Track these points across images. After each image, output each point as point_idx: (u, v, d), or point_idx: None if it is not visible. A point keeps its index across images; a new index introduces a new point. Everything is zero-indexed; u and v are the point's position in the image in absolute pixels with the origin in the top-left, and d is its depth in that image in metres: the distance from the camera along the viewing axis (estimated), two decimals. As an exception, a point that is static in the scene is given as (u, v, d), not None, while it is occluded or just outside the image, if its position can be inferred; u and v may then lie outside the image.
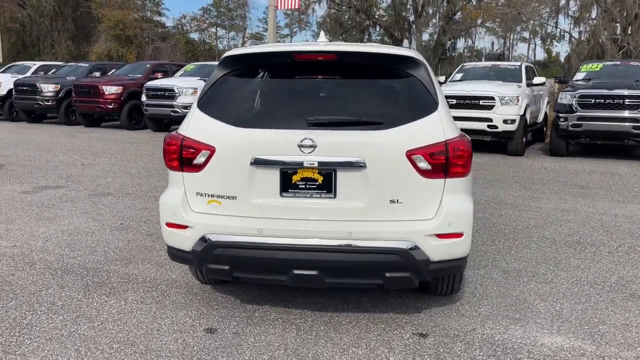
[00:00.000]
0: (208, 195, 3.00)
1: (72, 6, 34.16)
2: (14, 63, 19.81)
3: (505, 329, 3.27)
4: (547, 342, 3.12)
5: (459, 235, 2.95)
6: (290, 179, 2.91)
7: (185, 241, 3.02)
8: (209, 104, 3.10)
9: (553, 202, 6.74)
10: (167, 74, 16.27)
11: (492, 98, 10.89)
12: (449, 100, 11.18)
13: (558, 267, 4.40)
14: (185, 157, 3.01)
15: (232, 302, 3.58)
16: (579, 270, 4.32)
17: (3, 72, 18.20)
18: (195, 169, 3.00)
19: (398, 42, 37.41)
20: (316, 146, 2.85)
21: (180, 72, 15.91)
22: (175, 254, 3.14)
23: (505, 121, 10.82)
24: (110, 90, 14.96)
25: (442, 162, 2.90)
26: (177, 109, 13.92)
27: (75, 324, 3.26)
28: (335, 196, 2.91)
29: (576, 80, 11.73)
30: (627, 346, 3.08)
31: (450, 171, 2.93)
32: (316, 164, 2.87)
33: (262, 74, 3.18)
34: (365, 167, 2.86)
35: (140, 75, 15.97)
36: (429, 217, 2.92)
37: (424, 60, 3.19)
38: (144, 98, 14.36)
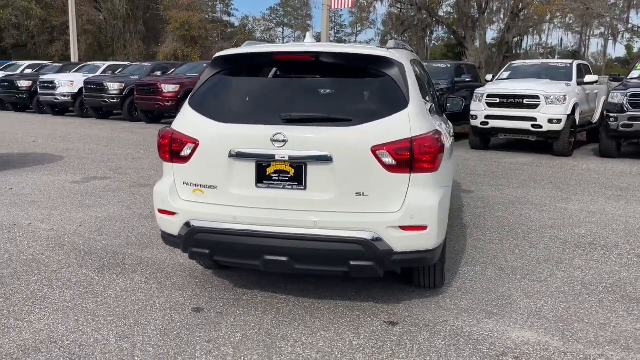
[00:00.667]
0: (193, 185, 3.28)
1: (143, 9, 35.94)
2: (85, 63, 21.15)
3: (477, 322, 3.35)
4: (515, 336, 3.18)
5: (422, 228, 3.08)
6: (264, 171, 3.14)
7: (173, 226, 3.32)
8: (198, 101, 3.38)
9: (582, 204, 6.59)
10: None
11: (537, 97, 10.64)
12: (491, 99, 11.04)
13: (558, 267, 4.38)
14: (174, 150, 3.31)
15: (225, 286, 3.86)
16: (579, 271, 4.29)
17: (76, 71, 19.49)
18: (182, 160, 3.29)
19: (461, 40, 36.72)
20: (287, 141, 3.06)
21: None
22: (167, 238, 3.45)
23: (550, 121, 10.55)
24: (168, 88, 15.74)
25: (406, 158, 3.03)
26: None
27: (82, 298, 3.63)
28: (305, 188, 3.11)
29: (630, 79, 11.24)
30: (595, 344, 3.09)
31: (415, 166, 3.06)
32: (287, 158, 3.08)
33: (246, 73, 3.42)
34: (332, 161, 3.04)
35: (197, 74, 16.67)
36: (393, 210, 3.06)
37: (401, 60, 3.32)
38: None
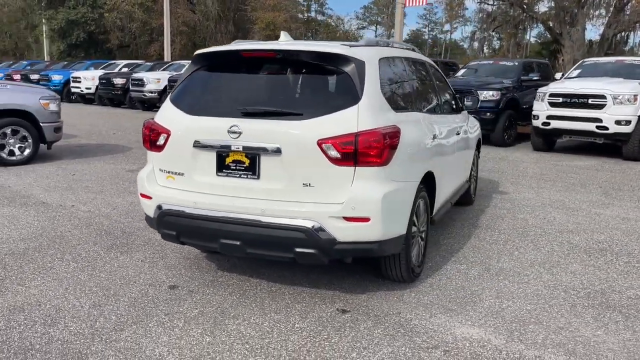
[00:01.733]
0: (166, 172, 3.59)
1: (234, 10, 37.50)
2: (173, 62, 22.55)
3: (430, 316, 3.39)
4: (459, 332, 3.19)
5: (365, 219, 3.17)
6: (224, 161, 3.38)
7: (149, 209, 3.65)
8: (176, 95, 3.69)
9: (621, 210, 6.24)
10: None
11: (603, 96, 10.04)
12: (554, 98, 10.56)
13: (549, 270, 4.26)
14: (152, 139, 3.64)
15: (209, 268, 4.15)
16: (570, 276, 4.15)
17: (164, 69, 20.84)
18: (158, 149, 3.60)
19: (557, 37, 34.87)
20: (241, 133, 3.28)
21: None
22: (147, 220, 3.79)
23: (618, 122, 9.93)
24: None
25: (351, 152, 3.14)
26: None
27: (81, 271, 4.07)
28: (258, 177, 3.31)
29: None
30: (538, 346, 3.04)
31: (360, 160, 3.16)
32: (241, 149, 3.30)
33: (219, 69, 3.68)
34: (281, 153, 3.22)
35: None
36: (336, 201, 3.18)
37: (361, 58, 3.42)
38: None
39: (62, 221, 5.40)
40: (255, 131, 3.27)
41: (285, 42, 3.84)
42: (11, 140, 8.37)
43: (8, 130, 8.33)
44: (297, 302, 3.57)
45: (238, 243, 3.32)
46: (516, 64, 13.33)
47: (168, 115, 3.61)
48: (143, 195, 3.71)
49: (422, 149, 3.82)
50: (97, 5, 36.13)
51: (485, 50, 57.41)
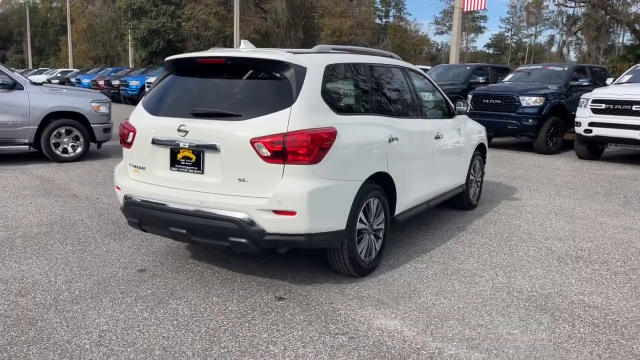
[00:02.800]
0: (133, 166, 4.02)
1: (303, 17, 38.36)
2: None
3: (359, 308, 3.58)
4: (377, 322, 3.37)
5: (291, 213, 3.43)
6: (176, 157, 3.75)
7: (120, 199, 4.10)
8: (147, 97, 4.12)
9: (630, 221, 6.07)
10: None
11: (647, 103, 9.57)
12: (596, 104, 10.18)
13: (508, 274, 4.29)
14: (124, 137, 4.08)
15: (183, 256, 4.53)
16: (525, 279, 4.17)
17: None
18: (128, 145, 4.04)
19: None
20: (188, 131, 3.64)
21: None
22: (120, 209, 4.24)
23: (662, 130, 9.43)
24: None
25: (280, 150, 3.41)
26: None
27: (72, 253, 4.59)
28: (203, 172, 3.66)
29: None
30: (445, 340, 3.16)
31: (289, 158, 3.42)
32: (187, 146, 3.66)
33: (182, 74, 4.06)
34: (219, 150, 3.55)
35: None
36: (265, 196, 3.46)
37: (302, 64, 3.67)
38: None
39: (81, 211, 6.01)
40: (200, 130, 3.62)
41: (235, 50, 4.16)
42: (65, 139, 9.27)
43: (62, 130, 9.23)
44: (242, 289, 3.87)
45: (184, 231, 3.68)
46: (565, 68, 12.90)
47: (137, 115, 4.04)
48: (116, 187, 4.16)
49: (370, 150, 4.00)
50: (176, 15, 38.21)
51: (572, 54, 54.84)
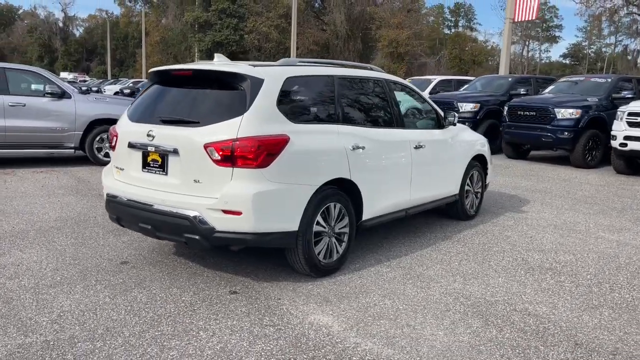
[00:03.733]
0: (116, 167, 4.46)
1: (362, 29, 38.74)
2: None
3: (302, 304, 3.81)
4: (311, 318, 3.59)
5: (237, 213, 3.72)
6: (146, 159, 4.15)
7: (104, 197, 4.55)
8: (132, 105, 4.55)
9: (631, 236, 5.92)
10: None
11: (683, 116, 9.16)
12: (632, 117, 9.85)
13: (467, 281, 4.39)
14: (110, 141, 4.53)
15: (167, 252, 4.92)
16: (480, 286, 4.25)
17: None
18: (113, 148, 4.49)
19: None
20: (155, 136, 4.02)
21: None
22: (105, 206, 4.69)
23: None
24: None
25: (229, 155, 3.72)
26: None
27: (72, 246, 5.08)
28: (166, 174, 4.02)
29: None
30: (366, 336, 3.34)
31: (237, 162, 3.72)
32: (154, 149, 4.04)
33: (159, 84, 4.46)
34: (178, 154, 3.91)
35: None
36: (215, 196, 3.77)
37: (260, 76, 3.97)
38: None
39: (98, 210, 6.56)
40: (164, 135, 4.00)
41: (207, 63, 4.50)
42: (107, 144, 10.03)
43: (105, 136, 10.00)
44: (205, 282, 4.19)
45: (149, 227, 4.06)
46: (608, 80, 12.47)
47: (121, 121, 4.49)
48: (104, 186, 4.62)
49: (328, 157, 4.23)
50: (239, 28, 39.67)
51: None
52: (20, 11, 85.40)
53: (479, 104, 13.47)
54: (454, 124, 5.93)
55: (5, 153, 9.44)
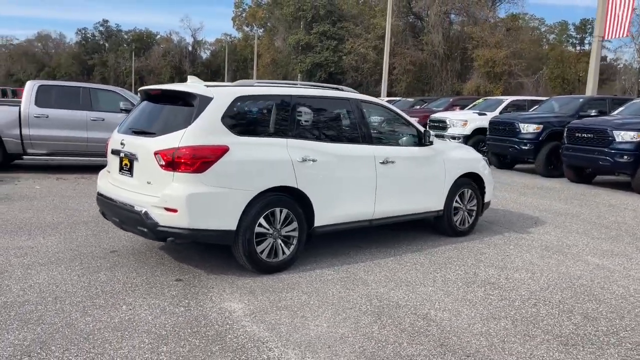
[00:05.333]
0: (106, 170, 5.33)
1: (460, 48, 38.29)
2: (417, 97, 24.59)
3: (228, 293, 4.35)
4: (226, 304, 4.12)
5: (174, 210, 4.37)
6: (121, 163, 4.95)
7: (96, 194, 5.44)
8: (124, 119, 5.42)
9: (625, 262, 5.75)
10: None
11: None
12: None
13: (395, 288, 4.67)
14: (105, 148, 5.43)
15: (151, 245, 5.70)
16: (404, 293, 4.52)
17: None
18: (106, 155, 5.37)
19: None
20: (125, 144, 4.83)
21: (470, 105, 17.19)
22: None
23: None
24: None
25: (170, 161, 4.40)
26: (446, 139, 15.44)
27: (87, 237, 6.03)
28: (132, 176, 4.80)
29: None
30: (260, 322, 3.81)
31: (177, 167, 4.39)
32: (124, 155, 4.84)
33: (145, 100, 5.26)
34: (138, 159, 4.66)
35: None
36: (158, 195, 4.46)
37: (209, 94, 4.62)
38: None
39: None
40: (130, 144, 4.79)
41: (180, 84, 5.22)
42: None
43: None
44: (162, 270, 4.88)
45: (118, 220, 4.85)
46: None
47: (113, 132, 5.36)
48: (97, 186, 5.51)
49: (270, 167, 4.74)
50: (337, 49, 40.99)
51: None
52: (158, 36, 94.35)
53: (541, 125, 13.11)
54: (431, 142, 6.14)
55: (87, 160, 11.00)
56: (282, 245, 4.93)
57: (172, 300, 4.18)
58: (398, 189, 5.80)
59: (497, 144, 14.06)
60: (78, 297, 4.17)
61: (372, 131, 5.78)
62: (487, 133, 14.51)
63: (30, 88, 10.89)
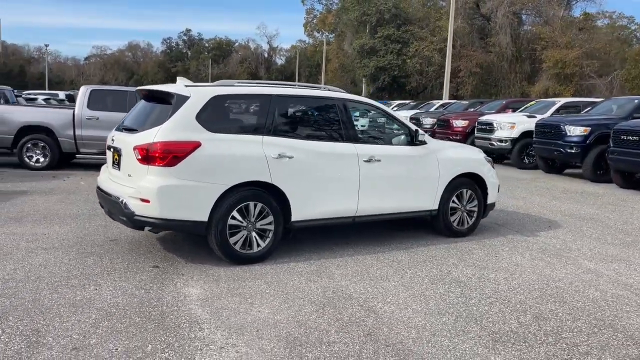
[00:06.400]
0: (106, 165, 5.79)
1: (528, 50, 36.88)
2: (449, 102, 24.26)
3: (193, 280, 4.62)
4: (186, 289, 4.40)
5: (147, 201, 4.71)
6: (113, 158, 5.38)
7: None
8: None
9: (621, 268, 5.53)
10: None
11: None
12: None
13: (353, 281, 4.77)
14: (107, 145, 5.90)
15: (150, 235, 6.10)
16: (360, 287, 4.61)
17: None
18: (107, 152, 5.83)
19: None
20: (114, 140, 5.24)
21: (522, 108, 16.65)
22: (99, 193, 6.03)
23: None
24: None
25: (145, 155, 4.75)
26: (493, 142, 15.08)
27: (99, 227, 6.55)
28: (120, 169, 5.20)
29: None
30: (208, 306, 4.05)
31: (151, 161, 4.73)
32: (114, 150, 5.25)
33: (141, 100, 5.67)
34: (122, 154, 5.05)
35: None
36: (134, 186, 4.82)
37: (185, 94, 4.92)
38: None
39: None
40: (117, 139, 5.20)
41: (169, 85, 5.55)
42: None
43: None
44: (146, 257, 5.24)
45: (108, 210, 5.27)
46: None
47: (112, 130, 5.81)
48: (97, 179, 5.97)
49: (242, 162, 4.96)
50: (402, 53, 40.71)
51: None
52: (236, 44, 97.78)
53: (589, 128, 12.52)
54: (418, 142, 6.11)
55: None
56: (257, 238, 5.14)
57: (138, 283, 4.51)
58: (384, 187, 5.85)
59: (543, 148, 13.54)
60: (57, 278, 4.59)
61: (357, 130, 5.88)
62: (533, 136, 14.01)
63: (83, 93, 11.81)
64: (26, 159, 11.46)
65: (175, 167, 4.75)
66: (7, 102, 15.38)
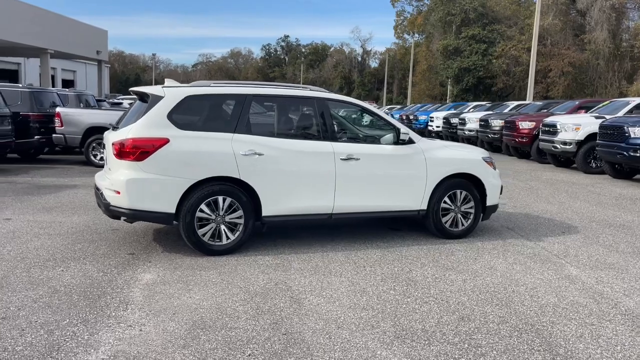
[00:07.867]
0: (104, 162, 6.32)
1: (630, 46, 34.08)
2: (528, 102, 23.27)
3: (154, 267, 4.97)
4: (146, 276, 4.73)
5: (117, 192, 5.12)
6: (105, 154, 5.88)
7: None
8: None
9: (601, 276, 5.21)
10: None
11: None
12: None
13: (323, 277, 4.87)
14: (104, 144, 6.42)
15: (149, 226, 6.56)
16: (315, 283, 4.71)
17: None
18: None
19: None
20: (104, 137, 5.74)
21: (594, 108, 15.62)
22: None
23: None
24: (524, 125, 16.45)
25: (119, 150, 5.17)
26: (556, 145, 14.32)
27: (109, 219, 7.15)
28: (106, 164, 5.68)
29: None
30: (150, 293, 4.37)
31: (123, 156, 5.14)
32: (104, 147, 5.74)
33: (137, 100, 6.13)
34: (107, 150, 5.52)
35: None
36: (110, 179, 5.25)
37: (161, 94, 5.27)
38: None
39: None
40: (105, 137, 5.68)
41: (151, 87, 5.92)
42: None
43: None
44: (129, 245, 5.67)
45: (97, 201, 5.78)
46: None
47: (112, 130, 6.33)
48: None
49: (209, 158, 5.23)
50: (487, 53, 39.24)
51: None
52: (332, 49, 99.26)
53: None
54: (401, 141, 6.03)
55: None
56: (227, 231, 5.39)
57: (102, 267, 4.92)
58: (364, 186, 5.87)
59: (606, 150, 12.60)
60: (39, 260, 5.13)
61: (336, 129, 5.94)
62: (597, 138, 13.08)
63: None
64: (92, 157, 12.59)
65: (144, 162, 5.12)
66: (88, 106, 16.87)
